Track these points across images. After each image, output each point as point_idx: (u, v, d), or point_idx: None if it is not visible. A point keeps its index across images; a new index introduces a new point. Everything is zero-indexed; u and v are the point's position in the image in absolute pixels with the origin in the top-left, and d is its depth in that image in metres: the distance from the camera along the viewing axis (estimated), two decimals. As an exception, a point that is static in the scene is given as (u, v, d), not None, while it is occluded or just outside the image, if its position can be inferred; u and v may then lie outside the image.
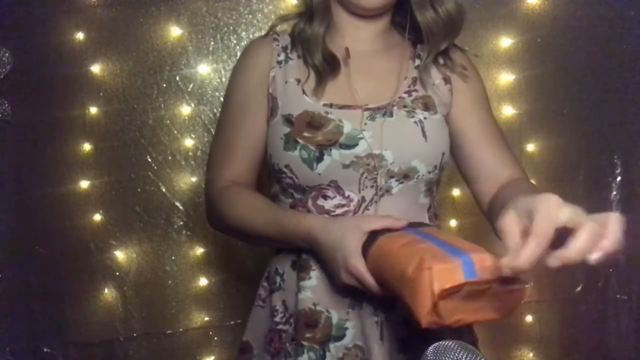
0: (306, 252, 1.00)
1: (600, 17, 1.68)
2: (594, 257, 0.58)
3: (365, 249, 0.85)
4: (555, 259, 0.58)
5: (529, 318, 1.79)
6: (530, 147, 1.73)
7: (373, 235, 0.85)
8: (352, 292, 0.97)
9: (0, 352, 1.64)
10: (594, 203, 1.75)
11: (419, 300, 0.68)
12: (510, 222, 0.63)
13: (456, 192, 1.72)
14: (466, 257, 0.66)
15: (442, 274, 0.65)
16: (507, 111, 1.72)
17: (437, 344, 0.61)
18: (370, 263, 0.84)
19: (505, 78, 1.71)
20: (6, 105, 1.61)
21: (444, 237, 0.77)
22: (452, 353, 0.59)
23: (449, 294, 0.65)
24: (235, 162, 1.07)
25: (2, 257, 1.65)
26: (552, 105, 1.72)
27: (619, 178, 1.74)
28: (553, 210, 0.60)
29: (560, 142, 1.73)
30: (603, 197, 1.75)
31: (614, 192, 1.75)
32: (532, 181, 1.69)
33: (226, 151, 1.09)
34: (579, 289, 1.78)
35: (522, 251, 0.59)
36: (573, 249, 0.58)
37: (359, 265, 0.84)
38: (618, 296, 1.78)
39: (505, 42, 1.70)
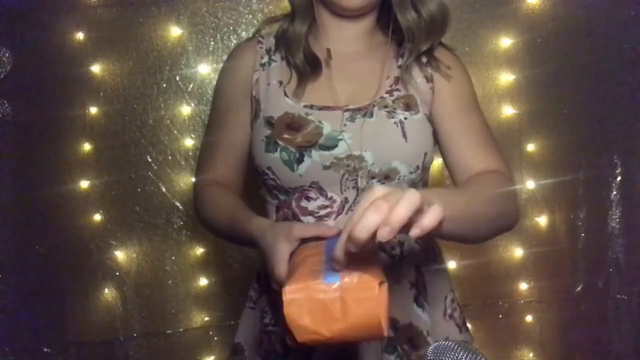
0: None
1: (600, 17, 1.68)
2: (380, 232, 0.58)
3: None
4: (348, 242, 0.60)
5: (529, 318, 1.79)
6: (530, 147, 1.73)
7: (302, 243, 0.84)
8: None
9: (1, 352, 1.64)
10: (594, 203, 1.76)
11: (283, 318, 0.67)
12: None
13: (456, 192, 1.72)
14: (334, 277, 0.65)
15: (292, 292, 0.64)
16: (507, 111, 1.72)
17: (437, 344, 0.61)
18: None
19: (505, 78, 1.71)
20: (6, 105, 1.61)
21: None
22: (452, 353, 0.59)
23: (294, 309, 0.64)
24: (217, 164, 1.09)
25: (2, 257, 1.65)
26: (552, 105, 1.72)
27: (619, 178, 1.74)
28: (368, 199, 0.61)
29: (560, 142, 1.73)
30: (603, 197, 1.75)
31: (614, 192, 1.75)
32: (531, 180, 1.72)
33: (209, 153, 1.11)
34: (579, 289, 1.78)
35: (337, 243, 0.62)
36: (355, 228, 0.59)
37: (282, 274, 0.83)
38: (618, 296, 1.78)
39: (505, 42, 1.70)
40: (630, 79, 1.70)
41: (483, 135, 1.05)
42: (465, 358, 0.59)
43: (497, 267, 1.76)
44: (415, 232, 0.60)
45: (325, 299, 0.63)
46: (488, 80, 1.70)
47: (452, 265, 1.69)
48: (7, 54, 1.59)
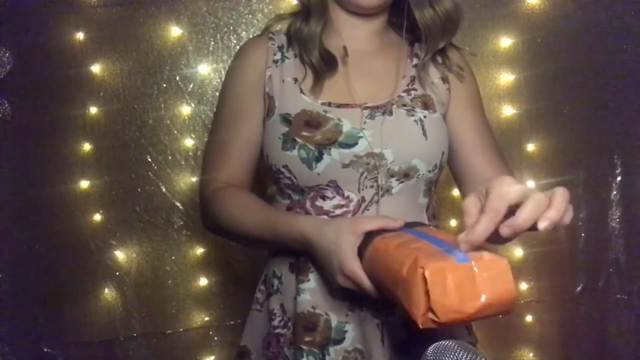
0: (304, 254, 0.99)
1: (600, 17, 1.68)
2: (543, 225, 0.63)
3: (361, 250, 0.83)
4: (506, 228, 0.63)
5: (529, 318, 1.79)
6: (530, 147, 1.73)
7: (369, 237, 0.83)
8: (351, 295, 0.97)
9: (1, 352, 1.64)
10: (594, 203, 1.75)
11: (414, 301, 0.67)
12: (469, 203, 0.68)
13: (456, 192, 1.72)
14: (462, 255, 0.66)
15: (434, 271, 0.64)
16: (507, 111, 1.72)
17: (437, 344, 0.61)
18: (366, 265, 0.82)
19: (505, 78, 1.71)
20: (6, 105, 1.61)
21: (441, 236, 0.76)
22: (452, 353, 0.59)
23: (439, 290, 0.64)
24: (229, 163, 1.06)
25: (2, 257, 1.64)
26: (552, 105, 1.72)
27: (619, 178, 1.74)
28: (505, 189, 0.65)
29: (560, 142, 1.73)
30: (603, 197, 1.75)
31: (614, 192, 1.75)
32: (531, 180, 1.72)
33: (221, 152, 1.08)
34: (579, 289, 1.78)
35: (475, 226, 0.65)
36: (520, 217, 0.62)
37: (355, 268, 0.83)
38: (618, 296, 1.78)
39: (505, 42, 1.70)
40: (630, 79, 1.70)
41: (494, 144, 1.07)
42: (465, 358, 0.58)
43: (497, 267, 1.76)
44: (544, 224, 0.63)
45: (466, 277, 0.64)
46: (488, 80, 1.70)
47: (452, 265, 1.69)
48: (7, 54, 1.58)
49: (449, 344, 0.60)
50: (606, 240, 1.76)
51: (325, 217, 0.98)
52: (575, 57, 1.70)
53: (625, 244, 1.76)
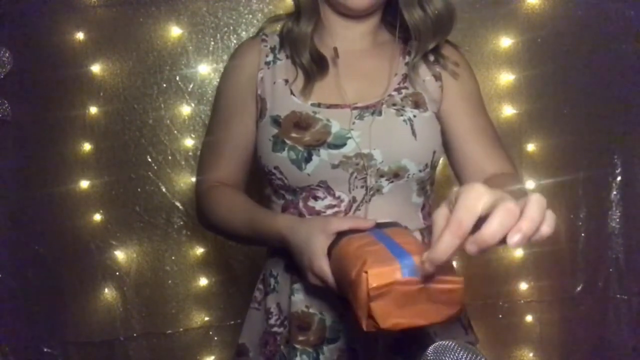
0: None
1: (600, 17, 1.68)
2: (513, 239, 0.54)
3: (331, 250, 0.84)
4: (471, 244, 0.55)
5: (529, 318, 1.79)
6: (530, 147, 1.73)
7: (339, 237, 0.84)
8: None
9: (1, 352, 1.64)
10: (594, 203, 1.76)
11: (358, 303, 0.67)
12: (438, 215, 0.60)
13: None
14: (408, 259, 0.65)
15: (376, 277, 0.64)
16: (507, 111, 1.72)
17: (437, 344, 0.61)
18: (332, 264, 0.83)
19: (505, 78, 1.71)
20: (6, 105, 1.61)
21: (401, 239, 0.74)
22: (452, 353, 0.59)
23: (380, 295, 0.64)
24: (222, 163, 1.08)
25: (2, 257, 1.65)
26: (552, 105, 1.72)
27: (619, 178, 1.74)
28: (472, 199, 0.56)
29: (560, 142, 1.73)
30: (603, 197, 1.75)
31: (614, 192, 1.75)
32: (531, 180, 1.72)
33: (214, 153, 1.09)
34: (579, 289, 1.78)
35: (437, 243, 0.57)
36: (486, 231, 0.54)
37: (323, 267, 0.83)
38: (618, 296, 1.78)
39: (505, 42, 1.70)
40: (630, 79, 1.70)
41: (493, 137, 1.05)
42: (465, 358, 0.58)
43: (497, 267, 1.76)
44: (515, 239, 0.55)
45: (410, 285, 0.63)
46: (488, 80, 1.70)
47: (452, 265, 1.69)
48: (7, 54, 1.58)
49: (449, 344, 0.60)
50: (606, 240, 1.77)
51: (296, 216, 0.99)
52: (575, 57, 1.70)
53: (625, 244, 1.76)
